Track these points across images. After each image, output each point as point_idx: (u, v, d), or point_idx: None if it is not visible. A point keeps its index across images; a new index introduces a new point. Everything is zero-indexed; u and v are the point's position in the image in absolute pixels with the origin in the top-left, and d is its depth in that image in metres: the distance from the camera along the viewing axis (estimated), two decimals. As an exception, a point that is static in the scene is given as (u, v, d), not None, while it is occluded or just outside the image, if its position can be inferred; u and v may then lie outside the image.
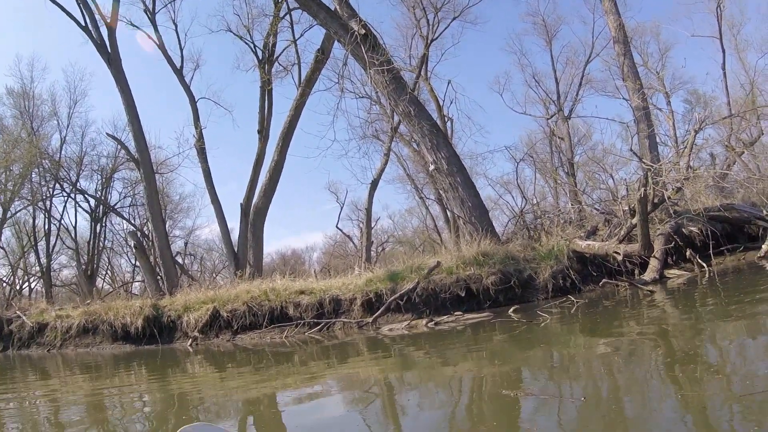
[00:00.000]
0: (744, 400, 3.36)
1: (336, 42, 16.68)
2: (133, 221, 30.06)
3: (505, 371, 5.56)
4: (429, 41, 24.74)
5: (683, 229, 11.85)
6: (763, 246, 11.29)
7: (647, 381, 4.38)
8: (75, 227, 29.75)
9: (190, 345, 12.22)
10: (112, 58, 18.02)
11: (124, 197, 31.08)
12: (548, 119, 32.09)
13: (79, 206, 29.61)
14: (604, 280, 10.93)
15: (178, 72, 20.78)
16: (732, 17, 31.20)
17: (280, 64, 21.56)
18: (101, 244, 30.45)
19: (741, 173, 18.12)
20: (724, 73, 28.35)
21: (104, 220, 30.24)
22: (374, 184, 25.47)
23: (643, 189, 10.42)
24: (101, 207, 29.37)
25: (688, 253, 11.24)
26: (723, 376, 3.99)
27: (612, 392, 4.22)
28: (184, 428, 2.81)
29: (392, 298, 11.21)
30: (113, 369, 10.52)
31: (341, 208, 35.08)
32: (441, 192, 19.43)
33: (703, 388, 3.74)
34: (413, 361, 7.42)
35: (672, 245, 11.35)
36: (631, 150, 16.74)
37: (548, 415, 3.92)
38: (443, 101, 25.42)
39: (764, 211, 12.07)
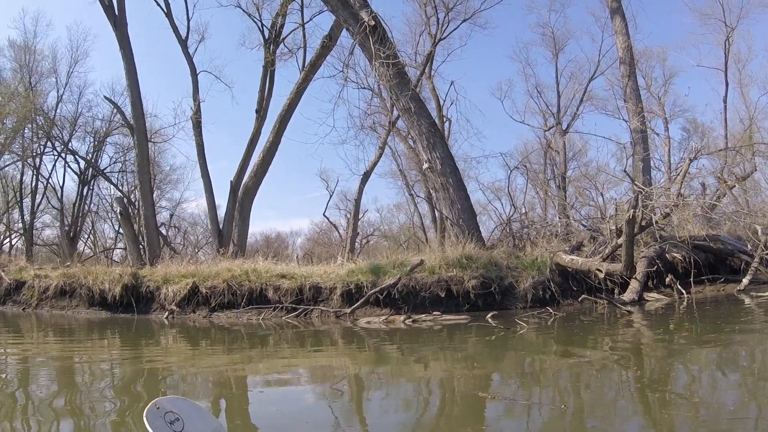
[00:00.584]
0: (709, 426, 3.41)
1: (344, 30, 16.60)
2: (120, 187, 29.80)
3: (477, 374, 5.59)
4: (437, 40, 24.66)
5: (667, 255, 11.95)
6: (743, 279, 11.42)
7: (615, 397, 4.43)
8: (62, 187, 29.43)
9: (167, 318, 12.17)
10: (118, 22, 17.82)
11: (114, 162, 30.78)
12: (546, 131, 32.18)
13: (69, 167, 29.30)
14: (583, 295, 11.00)
15: (183, 42, 20.63)
16: (739, 52, 31.37)
17: (285, 46, 21.47)
18: (86, 207, 30.16)
19: (730, 206, 18.27)
20: (725, 106, 28.54)
21: (92, 184, 29.93)
22: (366, 176, 25.43)
23: (632, 210, 10.49)
24: (90, 170, 29.08)
25: (668, 279, 11.33)
26: (691, 402, 4.04)
27: (579, 405, 4.25)
28: (157, 400, 2.80)
29: (372, 291, 11.22)
30: (87, 334, 10.48)
31: (330, 197, 35.01)
32: (432, 191, 19.48)
33: (670, 411, 3.78)
34: (387, 356, 7.44)
35: (654, 269, 11.44)
36: (625, 171, 16.88)
37: (514, 420, 3.96)
38: (444, 101, 25.42)
39: (748, 246, 12.19)
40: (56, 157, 28.69)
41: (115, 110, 25.28)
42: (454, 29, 24.97)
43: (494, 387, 5.03)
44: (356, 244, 28.78)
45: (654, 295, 11.27)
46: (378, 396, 5.05)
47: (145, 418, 2.65)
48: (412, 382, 5.58)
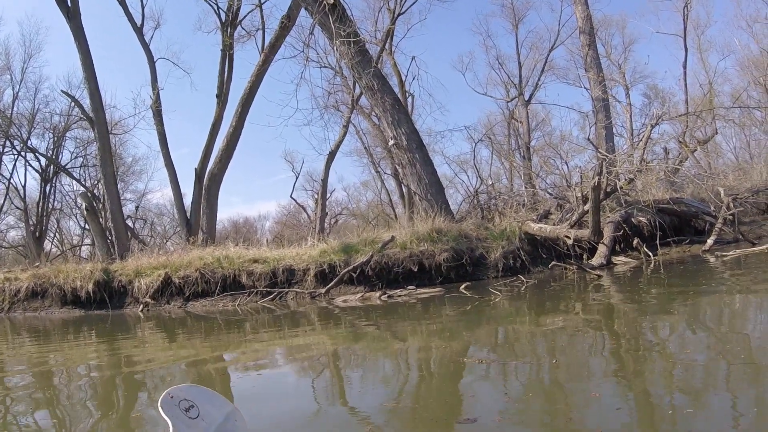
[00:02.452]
0: (681, 381, 3.54)
1: (303, 10, 16.44)
2: (83, 182, 29.23)
3: (454, 344, 5.67)
4: (396, 15, 24.51)
5: (633, 219, 12.22)
6: (708, 240, 11.75)
7: (590, 358, 4.55)
8: (24, 187, 28.82)
9: (141, 311, 12.09)
10: (71, 13, 17.35)
11: (76, 157, 30.21)
12: (508, 102, 32.47)
13: (30, 165, 28.68)
14: (553, 262, 11.22)
15: (138, 30, 20.15)
16: (698, 18, 32.02)
17: (243, 28, 21.09)
18: (51, 205, 29.60)
19: (692, 169, 18.70)
20: (685, 72, 29.13)
21: (54, 181, 29.36)
22: (331, 156, 25.31)
23: (597, 177, 10.70)
24: (52, 167, 28.47)
25: (635, 242, 11.60)
26: (663, 359, 4.16)
27: (556, 366, 4.35)
28: (169, 389, 2.81)
29: (346, 270, 11.29)
30: (62, 334, 10.34)
31: (296, 178, 34.98)
32: (398, 167, 19.53)
33: (643, 368, 3.90)
34: (365, 332, 7.50)
35: (621, 233, 11.70)
36: (588, 139, 17.12)
37: (493, 382, 4.06)
38: (406, 77, 25.45)
39: (711, 207, 12.51)
40: (16, 156, 28.05)
41: (73, 104, 24.62)
42: (413, 3, 24.81)
43: (472, 354, 5.11)
44: (325, 224, 28.74)
45: (622, 258, 11.54)
46: (357, 370, 5.12)
47: (160, 408, 2.65)
48: (391, 355, 5.64)
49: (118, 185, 23.92)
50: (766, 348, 4.16)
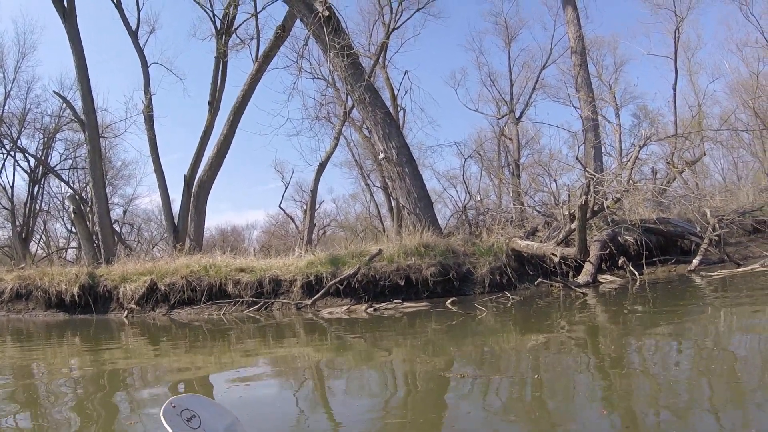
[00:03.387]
0: (665, 399, 3.57)
1: (298, 21, 16.50)
2: (72, 185, 29.04)
3: (439, 359, 5.70)
4: (390, 29, 24.61)
5: (619, 238, 12.29)
6: (693, 260, 11.82)
7: (575, 375, 4.57)
8: (12, 187, 28.52)
9: (126, 317, 12.03)
10: (67, 13, 17.30)
11: (65, 159, 29.92)
12: (499, 119, 32.61)
13: (18, 165, 28.40)
14: (539, 279, 11.26)
15: (133, 34, 20.14)
16: (688, 40, 32.39)
17: (238, 37, 21.07)
18: (38, 206, 29.33)
19: (680, 190, 18.85)
20: (675, 93, 29.42)
21: (43, 182, 29.10)
22: (321, 167, 25.29)
23: (584, 197, 10.76)
24: (41, 168, 28.26)
25: (621, 261, 11.67)
26: (648, 378, 4.20)
27: (540, 383, 4.38)
28: (172, 399, 2.82)
29: (333, 282, 11.29)
30: (45, 338, 10.27)
31: (286, 188, 34.79)
32: (388, 181, 19.55)
33: (628, 387, 3.94)
34: (351, 345, 7.52)
35: (607, 252, 11.76)
36: (577, 158, 17.25)
37: (475, 399, 4.07)
38: (398, 91, 25.52)
39: (698, 228, 12.61)
40: (5, 155, 27.78)
41: (64, 105, 24.49)
42: (408, 18, 24.91)
43: (456, 370, 5.13)
44: (313, 235, 28.67)
45: (607, 277, 11.60)
46: (342, 384, 5.13)
47: (162, 418, 2.66)
48: (376, 368, 5.66)
49: (107, 189, 23.82)
50: (751, 367, 4.21)
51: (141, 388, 5.35)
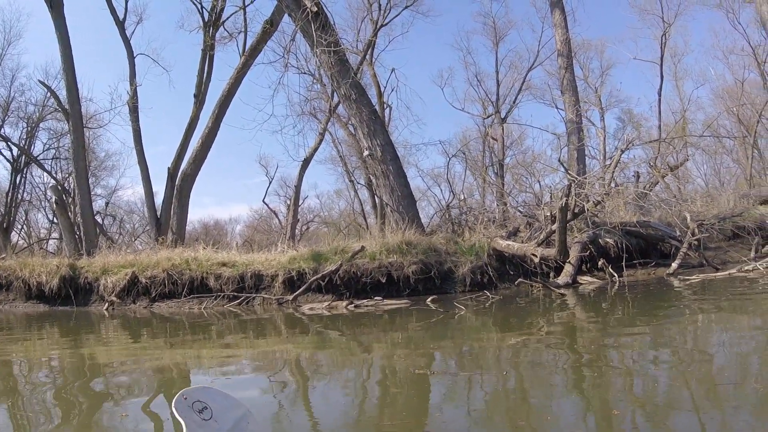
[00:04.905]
0: (642, 399, 3.63)
1: (286, 16, 16.46)
2: (55, 175, 28.78)
3: (419, 356, 5.74)
4: (378, 26, 24.64)
5: (600, 240, 12.41)
6: (673, 263, 11.96)
7: (553, 374, 4.62)
8: (-6, 176, 28.28)
9: (106, 309, 11.98)
10: (54, 1, 17.15)
11: (48, 149, 29.67)
12: (485, 119, 32.76)
13: (1, 154, 28.12)
14: (520, 279, 11.35)
15: (120, 24, 20.01)
16: (675, 46, 32.78)
17: (225, 30, 21.04)
18: (20, 196, 29.05)
19: (662, 194, 19.04)
20: (660, 98, 29.72)
21: (25, 171, 28.83)
22: (306, 163, 25.34)
23: (565, 199, 10.86)
24: (23, 157, 27.97)
25: (600, 263, 11.79)
26: (625, 377, 4.28)
27: (519, 381, 4.44)
28: (183, 390, 2.83)
29: (314, 277, 11.31)
30: (25, 329, 10.20)
31: (270, 183, 34.93)
32: (372, 178, 19.60)
33: (605, 386, 4.01)
34: (331, 341, 7.55)
35: (587, 254, 11.88)
36: (559, 161, 17.37)
37: (456, 397, 4.11)
38: (384, 88, 25.50)
39: (677, 232, 12.76)
40: (-12, 144, 27.49)
41: (49, 94, 24.26)
42: (396, 16, 24.98)
43: (436, 367, 5.18)
44: (297, 230, 28.65)
45: (587, 278, 11.71)
46: (322, 380, 5.15)
47: (174, 409, 2.66)
48: (356, 365, 5.70)
49: (90, 180, 23.63)
50: (729, 369, 4.26)
51: (122, 382, 5.35)
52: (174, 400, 2.69)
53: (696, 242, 12.30)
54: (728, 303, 8.07)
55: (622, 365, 4.75)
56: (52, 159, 29.71)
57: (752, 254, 12.31)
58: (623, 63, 38.19)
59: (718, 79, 36.06)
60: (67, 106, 18.12)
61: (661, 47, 29.87)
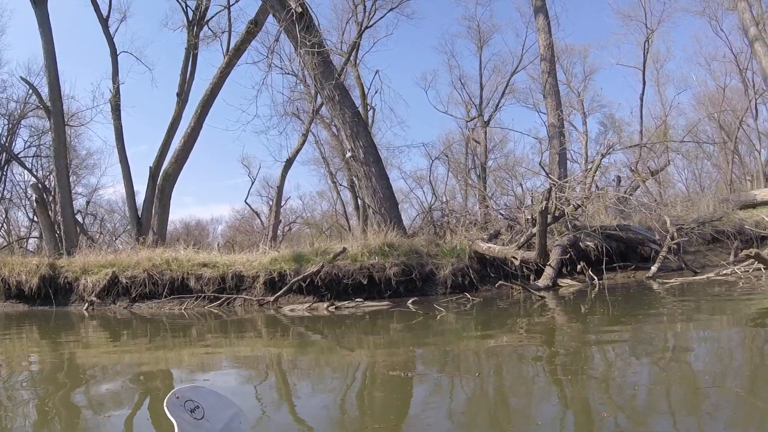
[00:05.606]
0: (620, 402, 3.67)
1: (270, 16, 16.45)
2: (35, 173, 28.46)
3: (399, 357, 5.76)
4: (363, 28, 24.70)
5: (580, 243, 12.50)
6: (652, 267, 12.09)
7: (533, 377, 4.67)
8: (-26, 174, 27.91)
9: (86, 309, 11.90)
10: (38, -3, 17.00)
11: (29, 146, 29.41)
12: (468, 122, 32.94)
13: (-19, 151, 27.79)
14: (500, 281, 11.42)
15: (104, 21, 19.87)
16: (658, 52, 33.21)
17: (210, 29, 21.04)
18: (0, 194, 28.72)
19: (643, 197, 19.23)
20: (641, 103, 30.04)
21: (6, 169, 28.52)
22: (289, 163, 25.27)
23: (545, 202, 10.94)
24: (4, 154, 27.66)
25: (580, 266, 11.89)
26: (604, 379, 4.31)
27: (499, 383, 4.48)
28: (175, 389, 2.82)
29: (296, 279, 11.31)
30: (4, 328, 10.10)
31: (252, 183, 34.77)
32: (354, 179, 19.63)
33: (584, 388, 4.03)
34: (312, 342, 7.55)
35: (568, 257, 11.98)
36: (540, 164, 17.52)
37: (437, 399, 4.13)
38: (368, 90, 25.63)
39: (657, 236, 12.90)
40: (-31, 142, 27.16)
41: (31, 91, 24.04)
42: (381, 18, 25.08)
43: (417, 369, 5.20)
44: (279, 231, 28.60)
45: (567, 281, 11.79)
46: (303, 381, 5.15)
47: (165, 408, 2.66)
48: (337, 367, 5.70)
49: (70, 178, 23.44)
50: (707, 372, 4.29)
51: (102, 384, 5.31)
52: (166, 400, 2.69)
53: (675, 246, 12.44)
54: (707, 306, 8.17)
55: (603, 367, 4.79)
56: (33, 157, 29.46)
57: (731, 258, 12.45)
58: (606, 68, 38.69)
59: (699, 85, 36.53)
60: (48, 104, 17.96)
61: (643, 53, 30.22)
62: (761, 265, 10.70)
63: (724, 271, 11.30)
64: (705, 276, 11.11)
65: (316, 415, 3.83)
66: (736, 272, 11.09)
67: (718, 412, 3.30)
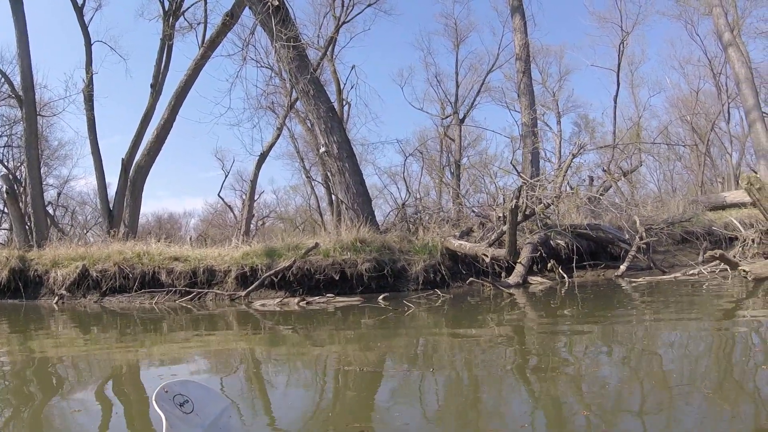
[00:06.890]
0: (590, 397, 3.76)
1: (247, 8, 16.37)
2: (5, 163, 28.03)
3: (370, 352, 5.81)
4: (340, 23, 24.70)
5: (551, 242, 12.68)
6: (621, 266, 12.31)
7: (503, 372, 4.70)
8: (-57, 165, 27.39)
9: (56, 303, 11.81)
10: (11, -15, 16.71)
11: (0, 136, 28.91)
12: (443, 119, 33.08)
13: (-49, 142, 27.29)
14: (471, 278, 11.53)
15: (79, 10, 19.61)
16: (633, 54, 33.66)
17: (185, 20, 20.89)
18: (-31, 185, 28.16)
19: (615, 197, 19.51)
20: (615, 105, 30.46)
21: (-25, 159, 28.03)
22: (263, 158, 25.19)
23: (515, 200, 11.08)
24: (-27, 144, 27.20)
25: (551, 264, 12.07)
26: (574, 375, 4.36)
27: (470, 379, 4.54)
28: (165, 383, 2.83)
29: (267, 274, 11.32)
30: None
31: (225, 177, 34.62)
32: (328, 174, 19.63)
33: (555, 384, 4.08)
34: (282, 338, 7.55)
35: (538, 255, 12.14)
36: (512, 163, 17.68)
37: (407, 393, 4.18)
38: (344, 85, 25.64)
39: (626, 235, 13.13)
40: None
41: (2, 80, 23.66)
42: (359, 13, 25.16)
43: (387, 364, 5.24)
44: (252, 225, 28.47)
45: (537, 278, 11.94)
46: (276, 375, 5.17)
47: (154, 402, 2.66)
48: (309, 363, 5.70)
49: (42, 169, 23.10)
50: (677, 370, 4.34)
51: (71, 378, 5.29)
52: (155, 393, 2.70)
53: (644, 245, 12.66)
54: (675, 305, 8.29)
55: (572, 364, 4.84)
56: (3, 147, 29.04)
57: (699, 258, 12.70)
58: (581, 69, 38.99)
59: (673, 88, 37.13)
60: (20, 93, 17.73)
61: (618, 55, 30.62)
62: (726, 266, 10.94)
63: (692, 271, 11.51)
64: (672, 276, 11.33)
65: (288, 410, 3.82)
66: (703, 272, 11.31)
67: (688, 405, 3.37)
